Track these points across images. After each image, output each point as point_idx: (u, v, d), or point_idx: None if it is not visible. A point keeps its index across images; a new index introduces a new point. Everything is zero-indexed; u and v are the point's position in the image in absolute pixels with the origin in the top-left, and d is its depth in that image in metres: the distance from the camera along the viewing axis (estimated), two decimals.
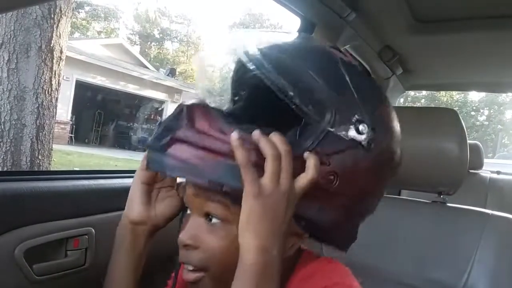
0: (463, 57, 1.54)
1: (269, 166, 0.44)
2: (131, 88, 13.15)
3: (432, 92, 17.62)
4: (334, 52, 0.52)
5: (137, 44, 27.89)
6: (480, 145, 2.35)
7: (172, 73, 15.60)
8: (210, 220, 0.51)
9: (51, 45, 2.78)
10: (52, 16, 2.75)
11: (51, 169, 3.25)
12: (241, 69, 0.54)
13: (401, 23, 1.27)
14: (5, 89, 2.70)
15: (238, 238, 0.46)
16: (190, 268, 0.51)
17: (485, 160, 2.38)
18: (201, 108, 0.49)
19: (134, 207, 0.58)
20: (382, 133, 0.50)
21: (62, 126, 10.81)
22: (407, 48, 1.46)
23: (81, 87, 11.81)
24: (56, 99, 2.92)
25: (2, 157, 2.71)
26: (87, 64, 10.98)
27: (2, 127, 2.71)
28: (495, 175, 2.30)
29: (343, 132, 0.47)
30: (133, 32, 29.03)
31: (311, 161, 0.46)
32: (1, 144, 2.71)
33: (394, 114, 0.54)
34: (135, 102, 14.85)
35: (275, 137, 0.45)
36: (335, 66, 0.50)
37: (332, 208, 0.49)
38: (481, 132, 23.02)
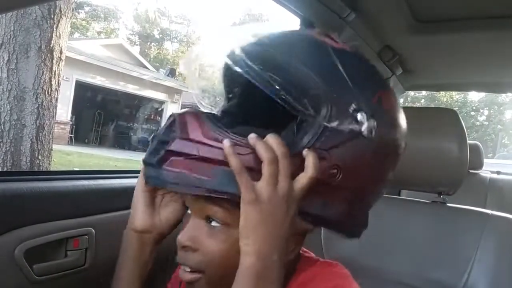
0: (463, 57, 1.54)
1: (265, 170, 0.44)
2: (131, 88, 13.16)
3: (432, 92, 17.61)
4: (325, 40, 0.50)
5: (137, 45, 27.90)
6: (480, 145, 2.35)
7: (172, 73, 15.59)
8: (210, 222, 0.50)
9: (51, 46, 2.78)
10: (52, 16, 2.75)
11: (51, 169, 3.25)
12: (229, 69, 0.53)
13: (401, 23, 1.27)
14: (5, 90, 2.70)
15: (239, 243, 0.45)
16: (188, 269, 0.51)
17: (485, 160, 2.38)
18: (193, 116, 0.48)
19: (138, 216, 0.57)
20: (382, 119, 0.48)
21: (62, 126, 10.81)
22: (407, 48, 1.46)
23: (81, 87, 11.81)
24: (56, 99, 2.92)
25: (2, 157, 2.71)
26: (87, 64, 10.98)
27: (2, 127, 2.70)
28: (495, 175, 2.30)
29: (341, 125, 0.45)
30: (133, 32, 29.06)
31: (309, 159, 0.44)
32: (1, 144, 2.71)
33: (395, 97, 0.52)
34: (135, 102, 14.85)
35: (271, 139, 0.44)
36: (326, 56, 0.48)
37: (338, 201, 0.48)
38: (481, 132, 23.03)
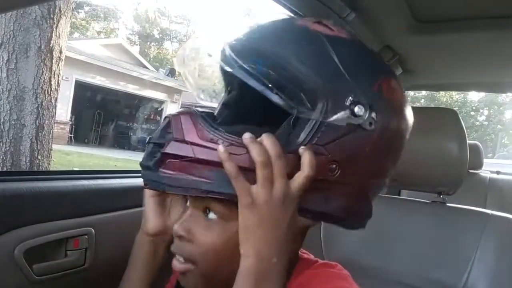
0: (463, 57, 1.54)
1: (259, 173, 0.43)
2: (131, 88, 13.15)
3: (432, 92, 17.62)
4: (318, 28, 0.48)
5: (137, 44, 27.89)
6: (480, 145, 2.36)
7: (171, 73, 15.58)
8: (208, 214, 0.50)
9: (51, 45, 2.78)
10: (52, 16, 2.75)
11: (51, 169, 3.25)
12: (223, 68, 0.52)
13: (401, 23, 1.27)
14: (4, 89, 2.70)
15: (239, 247, 0.45)
16: (181, 259, 0.51)
17: (485, 160, 2.38)
18: (188, 117, 0.47)
19: (150, 220, 0.59)
20: (383, 108, 0.46)
21: (62, 126, 10.81)
22: (407, 48, 1.46)
23: (80, 87, 11.81)
24: (56, 99, 2.92)
25: (1, 157, 2.71)
26: (86, 64, 10.98)
27: (2, 127, 2.70)
28: (495, 175, 2.30)
29: (338, 119, 0.44)
30: (132, 32, 29.06)
31: (305, 158, 0.43)
32: (1, 144, 2.71)
33: (397, 85, 0.50)
34: (135, 102, 14.85)
35: (266, 139, 0.43)
36: (319, 46, 0.46)
37: (338, 196, 0.47)
38: (481, 132, 23.03)
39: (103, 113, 14.66)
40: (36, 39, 2.72)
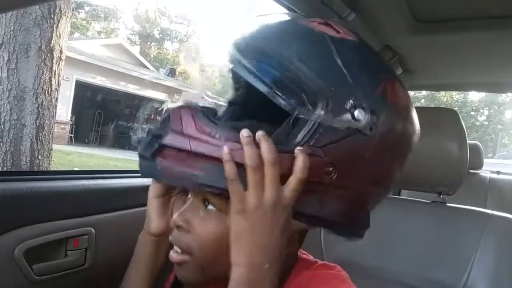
0: (463, 57, 1.54)
1: (250, 178, 0.43)
2: (131, 88, 13.15)
3: (432, 92, 17.61)
4: (324, 30, 0.47)
5: (137, 44, 27.88)
6: (480, 145, 2.35)
7: (172, 73, 15.59)
8: (207, 206, 0.51)
9: (51, 45, 2.78)
10: (52, 16, 2.75)
11: (51, 169, 3.25)
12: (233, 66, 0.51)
13: (401, 23, 1.27)
14: (5, 89, 2.70)
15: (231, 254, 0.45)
16: (178, 250, 0.52)
17: (485, 160, 2.38)
18: (187, 111, 0.47)
19: (154, 221, 0.60)
20: (384, 114, 0.45)
21: (62, 126, 10.81)
22: (407, 48, 1.46)
23: (81, 87, 11.81)
24: (56, 99, 2.92)
25: (2, 157, 2.71)
26: (87, 64, 10.98)
27: (2, 127, 2.70)
28: (495, 175, 2.30)
29: (337, 121, 0.43)
30: (133, 32, 29.04)
31: (299, 160, 0.42)
32: (1, 144, 2.71)
33: (402, 89, 0.49)
34: (135, 102, 14.85)
35: (263, 142, 0.42)
36: (323, 48, 0.46)
37: (334, 200, 0.46)
38: (481, 132, 23.02)
39: (103, 113, 14.66)
40: (37, 39, 2.72)
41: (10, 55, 2.69)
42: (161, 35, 29.76)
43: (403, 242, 1.02)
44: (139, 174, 0.51)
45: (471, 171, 2.20)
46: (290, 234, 0.47)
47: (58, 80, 2.89)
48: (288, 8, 1.11)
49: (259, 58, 0.45)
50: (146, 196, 0.62)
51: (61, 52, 2.87)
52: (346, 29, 0.49)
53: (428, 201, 1.08)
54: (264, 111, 0.50)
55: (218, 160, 0.43)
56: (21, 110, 2.73)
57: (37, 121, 2.77)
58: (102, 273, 0.76)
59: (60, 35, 2.82)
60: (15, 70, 2.70)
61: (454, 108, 1.10)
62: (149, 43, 29.13)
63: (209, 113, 0.48)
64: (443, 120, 1.04)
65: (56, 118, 3.19)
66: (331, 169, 0.44)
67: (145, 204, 0.62)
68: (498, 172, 2.37)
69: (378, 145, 0.45)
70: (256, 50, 0.46)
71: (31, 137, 2.76)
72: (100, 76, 11.96)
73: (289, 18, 0.53)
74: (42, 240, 0.67)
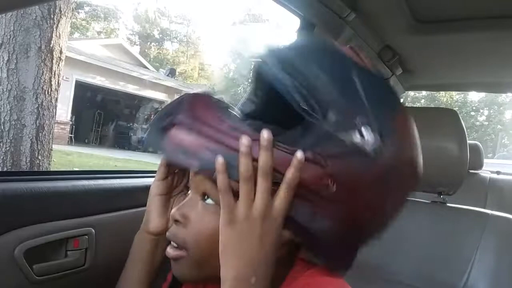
0: (463, 57, 1.54)
1: (241, 188, 0.43)
2: (131, 89, 13.15)
3: (432, 92, 17.61)
4: (349, 54, 0.49)
5: (137, 44, 27.89)
6: (480, 145, 2.35)
7: (172, 73, 15.60)
8: (206, 200, 0.51)
9: (51, 46, 2.78)
10: (52, 16, 2.75)
11: (51, 169, 3.25)
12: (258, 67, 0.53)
13: (401, 23, 1.27)
14: (4, 90, 2.69)
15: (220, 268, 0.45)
16: (175, 245, 0.52)
17: (485, 160, 2.38)
18: (202, 97, 0.50)
19: (154, 219, 0.60)
20: (391, 141, 0.45)
21: (62, 126, 10.81)
22: (407, 48, 1.46)
23: (80, 87, 11.81)
24: (56, 99, 2.91)
25: (2, 157, 2.71)
26: (86, 64, 10.98)
27: (2, 127, 2.70)
28: (495, 175, 2.30)
29: (346, 136, 0.43)
30: (132, 32, 29.05)
31: (292, 164, 0.42)
32: (1, 144, 2.70)
33: (413, 127, 0.49)
34: (135, 102, 14.85)
35: (262, 151, 0.43)
36: (346, 67, 0.47)
37: (327, 217, 0.45)
38: (481, 132, 23.02)
39: (103, 113, 14.66)
40: (37, 39, 2.71)
41: (10, 55, 2.68)
42: (161, 35, 29.76)
43: (403, 242, 1.02)
44: (139, 175, 0.51)
45: (471, 171, 2.20)
46: (281, 244, 0.46)
47: (58, 80, 2.89)
48: (288, 8, 1.11)
49: (290, 66, 0.46)
50: (146, 196, 0.62)
51: (61, 52, 2.86)
52: (370, 61, 0.50)
53: (428, 201, 1.08)
54: (276, 117, 0.51)
55: (224, 145, 0.44)
56: (21, 110, 2.73)
57: (37, 121, 2.77)
58: (102, 273, 0.76)
59: (60, 35, 2.82)
60: (15, 70, 2.70)
61: (454, 108, 1.10)
62: (149, 43, 29.13)
63: (223, 104, 0.50)
64: (443, 120, 1.04)
65: (56, 118, 3.19)
66: (329, 181, 0.43)
67: (145, 204, 0.62)
68: (498, 172, 2.37)
69: (380, 171, 0.44)
70: (285, 58, 0.47)
71: (31, 137, 2.76)
72: (100, 76, 11.96)
73: (317, 39, 0.55)
74: (42, 240, 0.67)
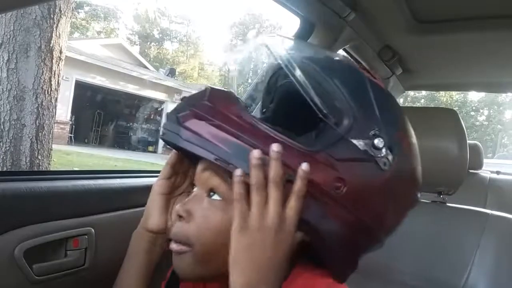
0: (463, 57, 1.54)
1: (253, 198, 0.44)
2: (131, 88, 13.15)
3: (432, 92, 17.61)
4: (364, 71, 0.52)
5: (137, 44, 27.91)
6: (480, 145, 2.35)
7: (171, 73, 15.60)
8: (212, 196, 0.51)
9: (51, 45, 2.78)
10: (52, 16, 2.75)
11: (51, 169, 3.25)
12: (274, 74, 0.56)
13: (400, 23, 1.27)
14: (4, 89, 2.69)
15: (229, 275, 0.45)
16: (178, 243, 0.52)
17: (485, 160, 2.38)
18: (225, 92, 0.51)
19: (154, 218, 0.60)
20: (398, 157, 0.48)
21: (62, 126, 10.81)
22: (407, 48, 1.46)
23: (80, 87, 11.80)
24: (56, 99, 2.91)
25: (1, 157, 2.71)
26: (86, 64, 10.98)
27: (2, 127, 2.70)
28: (494, 175, 2.30)
29: (358, 142, 0.46)
30: (132, 32, 29.06)
31: (300, 170, 0.44)
32: (1, 144, 2.71)
33: (416, 148, 0.53)
34: (135, 102, 14.85)
35: (273, 161, 0.43)
36: (361, 82, 0.50)
37: (336, 219, 0.46)
38: (481, 132, 23.04)
39: (103, 113, 14.66)
40: (36, 39, 2.71)
41: (10, 55, 2.69)
42: (160, 35, 29.78)
43: (403, 242, 1.02)
44: (139, 174, 0.51)
45: (471, 171, 2.20)
46: (291, 250, 0.47)
47: (58, 80, 2.89)
48: (288, 8, 1.11)
49: (310, 75, 0.48)
50: (146, 196, 0.62)
51: (60, 52, 2.86)
52: (381, 81, 0.54)
53: (428, 201, 1.08)
54: (289, 122, 0.52)
55: (241, 139, 0.45)
56: (21, 110, 2.73)
57: (37, 121, 2.77)
58: (102, 273, 0.76)
59: (59, 35, 2.82)
60: (14, 70, 2.70)
61: (454, 108, 1.10)
62: (148, 43, 29.14)
63: (242, 102, 0.50)
64: (443, 120, 1.04)
65: (56, 118, 3.19)
66: (340, 184, 0.45)
67: (144, 204, 0.62)
68: (498, 172, 2.37)
69: (388, 182, 0.47)
70: (307, 66, 0.50)
71: (31, 137, 2.76)
72: (99, 76, 11.95)
73: (335, 55, 0.60)
74: (42, 240, 0.67)
